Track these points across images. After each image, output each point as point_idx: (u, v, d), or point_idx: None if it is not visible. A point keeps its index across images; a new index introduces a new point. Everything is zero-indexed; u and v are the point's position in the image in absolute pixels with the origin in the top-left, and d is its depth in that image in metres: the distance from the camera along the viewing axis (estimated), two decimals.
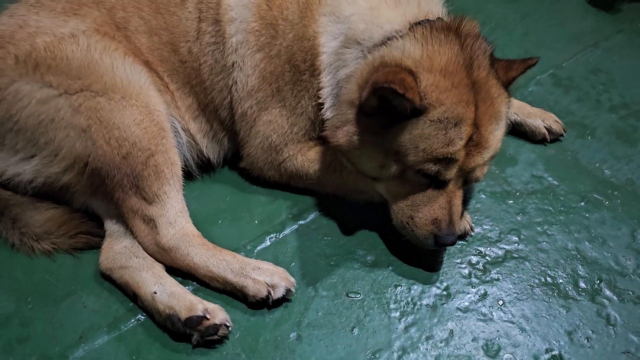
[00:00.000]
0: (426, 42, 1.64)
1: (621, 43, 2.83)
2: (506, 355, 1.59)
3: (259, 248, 1.86)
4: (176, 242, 1.71)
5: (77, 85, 1.70)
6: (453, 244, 1.70)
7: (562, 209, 2.00)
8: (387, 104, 1.59)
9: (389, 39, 1.67)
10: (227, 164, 2.14)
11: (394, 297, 1.73)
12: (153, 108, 1.76)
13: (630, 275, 1.80)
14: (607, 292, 1.75)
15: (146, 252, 1.74)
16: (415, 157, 1.61)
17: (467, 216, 1.90)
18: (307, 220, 1.95)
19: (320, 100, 1.81)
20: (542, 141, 2.25)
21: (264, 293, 1.64)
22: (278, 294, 1.65)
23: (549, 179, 2.11)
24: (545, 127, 2.23)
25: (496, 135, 1.70)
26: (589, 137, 2.29)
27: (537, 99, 2.40)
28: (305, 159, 1.93)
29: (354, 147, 1.70)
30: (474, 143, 1.64)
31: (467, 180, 1.73)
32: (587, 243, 1.89)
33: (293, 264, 1.80)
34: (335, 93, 1.80)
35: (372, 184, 1.83)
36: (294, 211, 1.98)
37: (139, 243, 1.75)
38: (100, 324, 1.65)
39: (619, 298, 1.74)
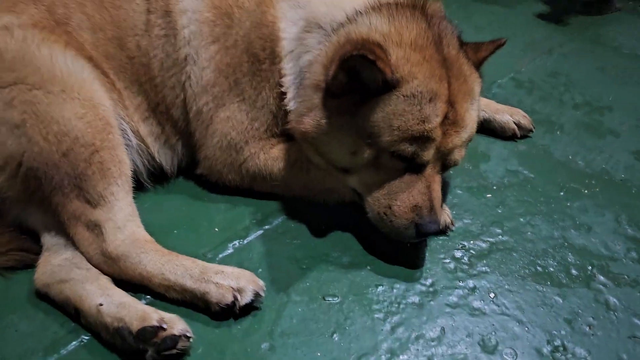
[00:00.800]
0: (393, 18, 1.55)
1: (574, 49, 2.88)
2: (506, 350, 1.42)
3: (220, 256, 1.66)
4: (126, 249, 1.50)
5: (10, 78, 1.52)
6: (436, 232, 1.55)
7: (542, 199, 1.90)
8: (356, 79, 1.47)
9: (353, 18, 1.57)
10: (183, 173, 1.95)
11: (375, 298, 1.54)
12: (98, 102, 1.58)
13: (622, 259, 1.69)
14: (602, 278, 1.63)
15: (90, 263, 1.51)
16: (390, 137, 1.48)
17: (447, 209, 1.77)
18: (273, 224, 1.77)
19: (282, 89, 1.68)
20: (512, 137, 2.19)
21: (229, 299, 1.43)
22: (246, 299, 1.44)
23: (525, 172, 2.02)
24: (514, 122, 2.17)
25: (472, 114, 1.61)
26: (558, 132, 2.24)
27: (501, 100, 2.35)
28: (269, 157, 1.77)
29: (322, 132, 1.56)
30: (450, 121, 1.53)
31: (445, 165, 1.60)
32: (573, 231, 1.78)
33: (260, 270, 1.61)
34: (298, 82, 1.67)
35: (343, 179, 1.69)
36: (258, 216, 1.79)
37: (82, 254, 1.52)
38: (35, 349, 1.39)
39: (614, 283, 1.62)
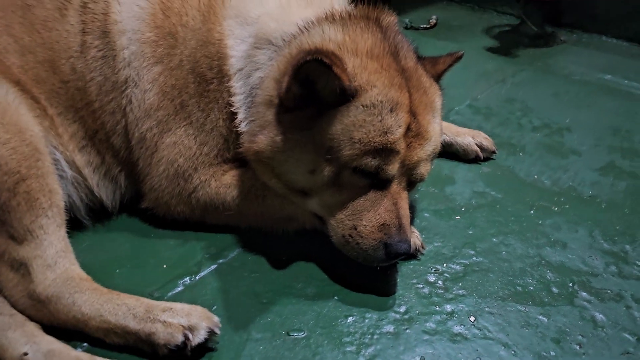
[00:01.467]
0: (347, 28, 1.47)
1: (527, 78, 2.90)
2: None
3: (170, 294, 1.47)
4: (57, 290, 1.30)
5: None
6: (407, 252, 1.42)
7: (512, 218, 1.81)
8: (311, 90, 1.37)
9: (305, 29, 1.49)
10: (126, 209, 1.77)
11: (346, 330, 1.38)
12: (24, 127, 1.42)
13: (602, 274, 1.60)
14: (584, 294, 1.52)
15: (15, 308, 1.30)
16: (351, 151, 1.37)
17: (416, 232, 1.65)
18: (229, 258, 1.60)
19: (232, 109, 1.56)
20: (475, 160, 2.12)
21: (179, 339, 1.24)
22: (198, 337, 1.26)
23: (492, 193, 1.94)
24: (476, 144, 2.10)
25: (435, 127, 1.52)
26: (521, 154, 2.19)
27: (460, 126, 2.29)
28: (220, 184, 1.63)
29: (278, 150, 1.43)
30: (414, 133, 1.44)
31: (411, 180, 1.50)
32: (548, 248, 1.68)
33: (215, 307, 1.42)
34: (249, 101, 1.56)
35: (302, 204, 1.56)
36: (211, 250, 1.62)
37: (6, 297, 1.31)
38: None
39: (598, 298, 1.51)
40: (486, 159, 2.13)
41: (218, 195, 1.63)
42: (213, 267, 1.56)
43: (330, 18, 1.50)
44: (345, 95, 1.36)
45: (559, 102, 2.64)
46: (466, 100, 2.59)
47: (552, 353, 1.34)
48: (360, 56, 1.41)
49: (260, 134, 1.46)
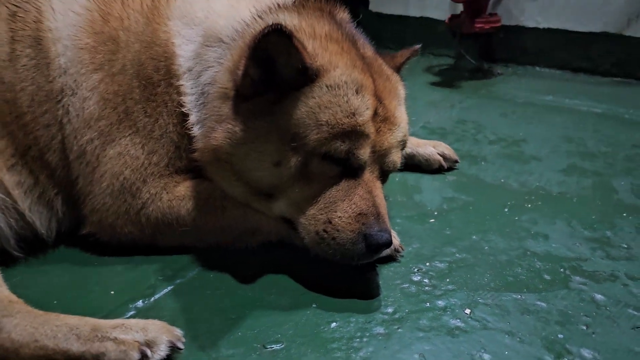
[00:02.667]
0: (302, 15, 1.41)
1: (474, 104, 2.94)
2: None
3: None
4: None
5: None
6: (389, 243, 1.28)
7: (488, 217, 1.72)
8: (270, 71, 1.27)
9: (259, 17, 1.41)
10: (65, 240, 1.55)
11: (330, 336, 1.20)
12: None
13: (591, 258, 1.51)
14: (578, 278, 1.42)
15: None
16: (319, 134, 1.26)
17: (393, 232, 1.51)
18: (188, 277, 1.41)
19: (184, 110, 1.43)
20: (439, 170, 2.05)
21: (134, 356, 1.03)
22: (159, 353, 1.05)
23: (462, 197, 1.85)
24: (438, 153, 2.04)
25: (403, 113, 1.45)
26: (483, 163, 2.15)
27: None
28: (173, 196, 1.46)
29: (238, 143, 1.30)
30: (382, 118, 1.36)
31: (383, 170, 1.39)
32: (530, 240, 1.59)
33: (176, 327, 1.21)
34: (201, 102, 1.43)
35: (268, 209, 1.42)
36: (166, 272, 1.43)
37: None
38: None
39: (593, 280, 1.41)
40: (449, 169, 2.07)
41: (171, 209, 1.45)
42: (170, 287, 1.36)
43: (283, 7, 1.43)
44: (308, 75, 1.26)
45: (509, 121, 2.66)
46: (419, 123, 2.57)
47: (560, 336, 1.21)
48: (318, 39, 1.33)
49: (216, 130, 1.33)
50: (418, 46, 1.65)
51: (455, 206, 1.79)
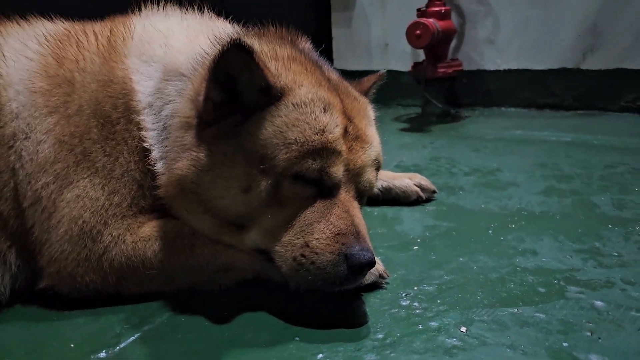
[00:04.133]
0: (262, 40, 1.39)
1: (445, 143, 2.94)
2: None
3: None
4: None
5: None
6: (372, 262, 1.19)
7: (472, 240, 1.65)
8: (233, 93, 1.23)
9: (218, 44, 1.38)
10: (21, 298, 1.42)
11: None
12: None
13: (583, 269, 1.44)
14: (574, 288, 1.34)
15: None
16: (288, 154, 1.20)
17: (376, 258, 1.43)
18: (156, 323, 1.28)
19: (145, 145, 1.36)
20: (417, 202, 1.99)
21: None
22: None
23: (444, 224, 1.79)
24: (415, 184, 1.99)
25: (374, 132, 1.42)
26: (461, 192, 2.10)
27: None
28: (138, 238, 1.36)
29: (204, 170, 1.24)
30: (353, 136, 1.31)
31: (359, 189, 1.33)
32: (519, 257, 1.52)
33: None
34: (163, 137, 1.38)
35: (240, 243, 1.34)
36: (133, 321, 1.30)
37: None
38: None
39: (589, 288, 1.33)
40: (428, 200, 2.01)
41: (136, 252, 1.35)
42: (137, 335, 1.24)
43: (244, 35, 1.41)
44: (272, 94, 1.22)
45: (481, 155, 2.65)
46: (393, 163, 2.55)
47: (565, 344, 1.11)
48: (281, 60, 1.31)
49: (180, 160, 1.27)
50: (383, 71, 1.65)
51: (438, 233, 1.72)
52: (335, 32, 4.26)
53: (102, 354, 1.17)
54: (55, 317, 1.34)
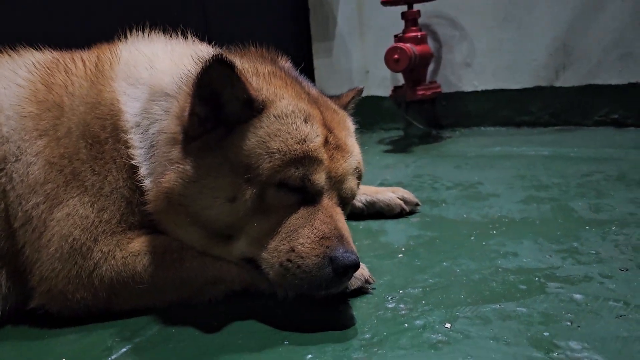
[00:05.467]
0: (244, 58, 1.46)
1: (427, 162, 3.01)
2: None
3: None
4: None
5: None
6: (356, 264, 1.23)
7: (455, 246, 1.70)
8: (216, 107, 1.29)
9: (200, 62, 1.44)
10: (11, 320, 1.43)
11: None
12: None
13: (562, 266, 1.49)
14: (553, 284, 1.39)
15: None
16: (271, 163, 1.25)
17: (361, 264, 1.46)
18: (147, 335, 1.30)
19: (133, 162, 1.40)
20: (400, 214, 2.04)
21: None
22: None
23: (427, 234, 1.84)
24: (399, 197, 2.05)
25: (354, 143, 1.48)
26: (444, 205, 2.15)
27: None
28: (128, 253, 1.39)
29: (190, 181, 1.28)
30: (334, 146, 1.37)
31: (341, 197, 1.38)
32: (501, 259, 1.56)
33: None
34: (151, 155, 1.42)
35: (228, 253, 1.38)
36: (124, 334, 1.32)
37: None
38: None
39: (569, 283, 1.38)
40: (411, 212, 2.06)
41: (126, 267, 1.37)
42: (128, 347, 1.25)
43: (225, 53, 1.48)
44: (254, 107, 1.28)
45: (463, 170, 2.72)
46: (377, 181, 2.60)
47: (546, 334, 1.15)
48: (261, 76, 1.37)
49: (167, 174, 1.31)
50: (361, 87, 1.71)
51: (422, 241, 1.77)
52: (317, 61, 4.38)
53: None
54: (47, 335, 1.35)
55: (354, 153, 1.43)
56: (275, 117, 1.29)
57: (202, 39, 1.75)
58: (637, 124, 3.34)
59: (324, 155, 1.31)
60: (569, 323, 1.18)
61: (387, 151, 3.41)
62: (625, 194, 2.08)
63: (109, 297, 1.38)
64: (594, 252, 1.56)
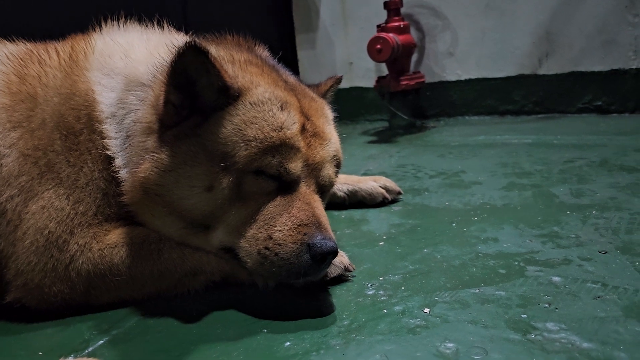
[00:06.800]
0: (219, 46, 1.44)
1: (411, 151, 3.01)
2: (472, 351, 1.04)
3: None
4: None
5: None
6: (335, 251, 1.23)
7: (436, 233, 1.70)
8: (192, 94, 1.27)
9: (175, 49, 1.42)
10: None
11: (284, 354, 1.11)
12: None
13: (542, 250, 1.49)
14: (532, 267, 1.39)
15: None
16: (247, 151, 1.24)
17: (340, 251, 1.46)
18: (125, 327, 1.29)
19: (109, 153, 1.38)
20: (382, 203, 2.04)
21: None
22: None
23: (409, 222, 1.84)
24: (380, 186, 2.04)
25: (332, 130, 1.47)
26: (426, 193, 2.16)
27: None
28: (105, 245, 1.37)
29: (166, 171, 1.27)
30: (311, 133, 1.36)
31: (319, 184, 1.37)
32: (481, 245, 1.57)
33: None
34: (127, 145, 1.40)
35: (207, 243, 1.36)
36: (102, 327, 1.30)
37: None
38: None
39: (547, 267, 1.39)
40: (393, 201, 2.06)
41: (103, 259, 1.36)
42: (105, 339, 1.24)
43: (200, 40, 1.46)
44: (230, 94, 1.27)
45: (446, 160, 2.72)
46: (360, 172, 2.59)
47: (524, 316, 1.15)
48: (237, 63, 1.36)
49: (143, 161, 1.29)
50: (340, 75, 1.70)
51: (404, 229, 1.76)
52: (301, 53, 4.36)
53: (70, 358, 1.17)
54: (24, 329, 1.33)
55: (332, 140, 1.42)
56: (251, 104, 1.28)
57: (180, 30, 1.73)
58: (620, 110, 3.37)
59: (301, 142, 1.31)
60: (546, 305, 1.19)
61: (371, 142, 3.41)
62: (607, 179, 2.09)
63: (87, 290, 1.36)
64: (574, 236, 1.56)
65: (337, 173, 1.46)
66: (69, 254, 1.35)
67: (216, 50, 1.38)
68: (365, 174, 2.55)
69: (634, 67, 3.26)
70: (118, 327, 1.28)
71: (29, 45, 1.60)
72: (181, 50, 1.19)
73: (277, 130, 1.26)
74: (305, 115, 1.37)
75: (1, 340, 1.29)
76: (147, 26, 1.67)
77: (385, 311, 1.23)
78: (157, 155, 1.27)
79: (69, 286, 1.35)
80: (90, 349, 1.20)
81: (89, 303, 1.38)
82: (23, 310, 1.36)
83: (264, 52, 1.59)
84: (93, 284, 1.36)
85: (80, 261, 1.35)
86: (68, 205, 1.36)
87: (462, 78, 3.74)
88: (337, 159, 1.44)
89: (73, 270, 1.35)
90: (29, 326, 1.34)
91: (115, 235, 1.39)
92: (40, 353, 1.21)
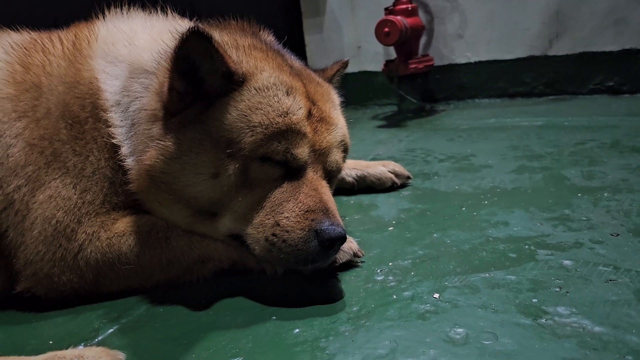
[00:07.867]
0: (223, 31, 1.42)
1: (421, 135, 2.98)
2: (482, 336, 1.03)
3: None
4: None
5: None
6: (343, 237, 1.21)
7: (446, 217, 1.68)
8: (196, 81, 1.26)
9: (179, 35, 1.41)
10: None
11: (293, 341, 1.10)
12: None
13: (553, 233, 1.47)
14: (543, 251, 1.37)
15: None
16: (253, 137, 1.22)
17: (349, 237, 1.45)
18: (134, 316, 1.29)
19: (114, 141, 1.38)
20: (392, 188, 2.02)
21: None
22: None
23: (418, 206, 1.82)
24: (389, 171, 2.02)
25: (339, 115, 1.45)
26: (436, 177, 2.13)
27: None
28: (113, 234, 1.37)
29: (172, 157, 1.26)
30: (317, 118, 1.34)
31: (327, 170, 1.36)
32: (491, 229, 1.55)
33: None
34: (133, 133, 1.39)
35: (214, 231, 1.36)
36: (111, 315, 1.31)
37: None
38: None
39: (558, 250, 1.37)
40: (403, 186, 2.04)
41: (111, 248, 1.36)
42: (115, 327, 1.24)
43: (203, 26, 1.44)
44: (234, 80, 1.25)
45: (456, 143, 2.69)
46: (369, 156, 2.58)
47: (534, 300, 1.14)
48: (241, 48, 1.34)
49: (149, 149, 1.29)
50: (346, 59, 1.68)
51: (413, 214, 1.75)
52: (308, 38, 4.32)
53: (81, 347, 1.17)
54: (34, 318, 1.34)
55: (339, 125, 1.40)
56: (256, 89, 1.26)
57: (185, 16, 1.71)
58: (633, 90, 3.30)
59: (307, 128, 1.29)
60: (557, 289, 1.17)
61: (380, 126, 3.38)
62: (618, 160, 2.06)
63: (96, 279, 1.37)
64: (585, 218, 1.54)
65: (344, 158, 1.45)
66: (77, 243, 1.35)
67: (220, 36, 1.36)
68: (374, 159, 2.53)
69: None
70: (128, 316, 1.29)
71: (33, 34, 1.59)
72: (184, 36, 1.18)
73: (282, 116, 1.25)
74: (311, 100, 1.35)
75: (12, 330, 1.30)
76: (150, 13, 1.65)
77: (395, 297, 1.22)
78: (162, 143, 1.27)
79: (78, 275, 1.35)
80: (100, 338, 1.20)
81: (98, 292, 1.38)
82: (33, 300, 1.37)
83: (268, 37, 1.57)
84: (102, 273, 1.37)
85: (89, 250, 1.35)
86: (75, 194, 1.36)
87: (472, 60, 3.69)
88: (344, 144, 1.43)
89: (82, 259, 1.35)
90: (39, 315, 1.35)
91: (122, 224, 1.39)
92: (51, 342, 1.22)
